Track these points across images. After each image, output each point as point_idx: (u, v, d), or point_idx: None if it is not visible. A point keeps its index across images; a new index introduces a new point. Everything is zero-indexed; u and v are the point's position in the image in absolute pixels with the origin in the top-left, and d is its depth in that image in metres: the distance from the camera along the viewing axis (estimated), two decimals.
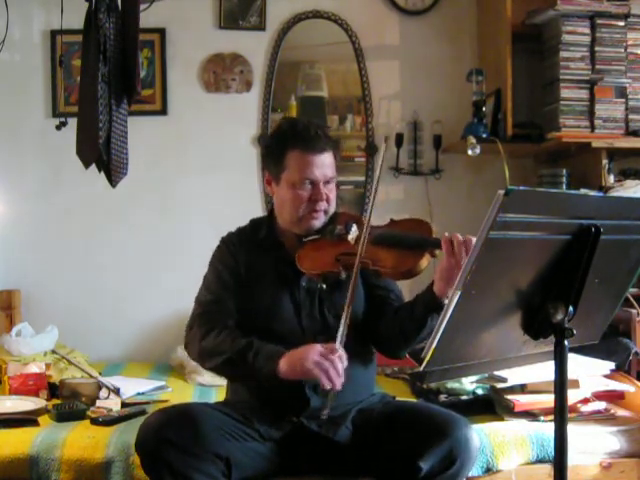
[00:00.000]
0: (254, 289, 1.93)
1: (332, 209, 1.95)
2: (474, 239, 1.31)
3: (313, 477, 1.88)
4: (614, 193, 2.77)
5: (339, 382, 1.66)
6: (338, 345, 1.69)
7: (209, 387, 2.74)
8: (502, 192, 1.12)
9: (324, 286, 1.89)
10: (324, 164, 1.89)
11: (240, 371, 1.81)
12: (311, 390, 1.85)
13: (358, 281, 1.81)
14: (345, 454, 1.84)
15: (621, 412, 2.33)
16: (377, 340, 1.96)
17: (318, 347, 1.70)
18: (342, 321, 1.70)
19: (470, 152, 3.00)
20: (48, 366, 2.67)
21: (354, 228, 1.88)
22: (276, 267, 1.94)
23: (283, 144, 1.91)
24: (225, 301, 1.92)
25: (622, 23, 3.01)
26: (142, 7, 2.24)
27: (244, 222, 2.07)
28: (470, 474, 1.93)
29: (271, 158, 1.96)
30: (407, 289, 2.12)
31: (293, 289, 1.92)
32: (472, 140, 3.00)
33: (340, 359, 1.67)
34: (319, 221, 1.92)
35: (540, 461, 2.13)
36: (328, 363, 1.66)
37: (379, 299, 1.97)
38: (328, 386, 1.65)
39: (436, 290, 1.73)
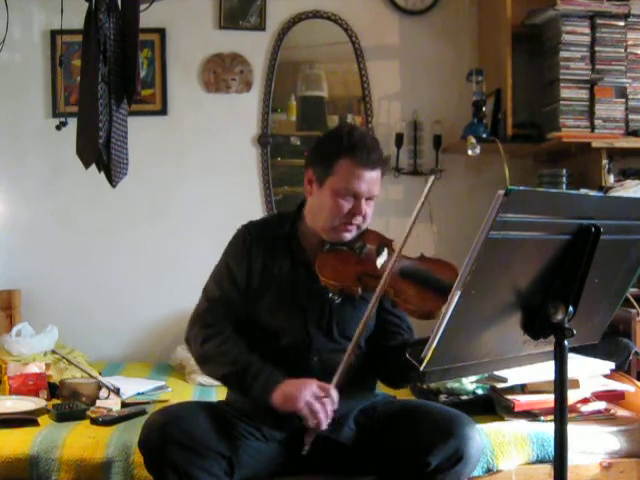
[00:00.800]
0: (264, 289, 1.89)
1: (366, 225, 1.91)
2: None
3: (316, 477, 1.88)
4: (614, 193, 2.77)
5: (325, 423, 1.67)
6: (333, 386, 1.68)
7: (209, 387, 2.74)
8: (502, 192, 1.12)
9: (337, 299, 1.87)
10: (372, 180, 1.84)
11: (236, 388, 1.84)
12: None
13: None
14: (348, 453, 1.84)
15: (621, 412, 2.33)
16: (379, 368, 1.92)
17: (312, 386, 1.69)
18: (343, 359, 1.68)
19: (470, 152, 3.00)
20: (48, 366, 2.67)
21: (385, 252, 1.84)
22: (291, 268, 1.90)
23: (337, 149, 1.85)
24: (232, 300, 1.89)
25: (622, 23, 3.01)
26: (142, 7, 2.25)
27: (244, 222, 2.00)
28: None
29: (321, 159, 1.89)
30: None
31: (304, 294, 1.88)
32: (472, 140, 3.00)
33: (332, 401, 1.67)
34: (351, 234, 1.88)
35: (540, 461, 2.13)
36: (319, 406, 1.66)
37: (390, 326, 1.93)
38: (312, 425, 1.66)
39: None
